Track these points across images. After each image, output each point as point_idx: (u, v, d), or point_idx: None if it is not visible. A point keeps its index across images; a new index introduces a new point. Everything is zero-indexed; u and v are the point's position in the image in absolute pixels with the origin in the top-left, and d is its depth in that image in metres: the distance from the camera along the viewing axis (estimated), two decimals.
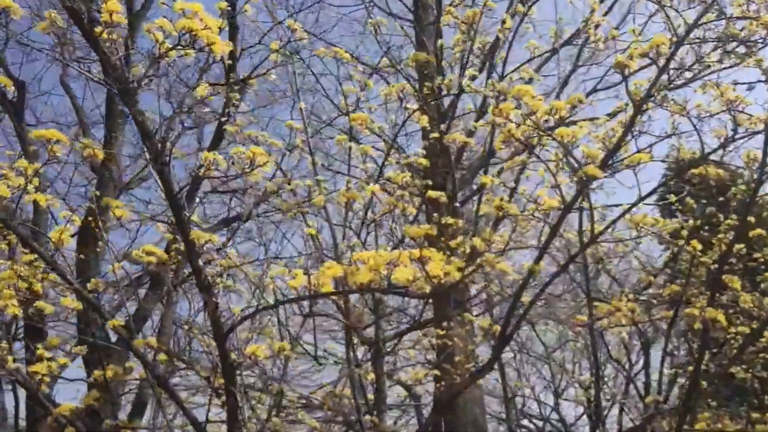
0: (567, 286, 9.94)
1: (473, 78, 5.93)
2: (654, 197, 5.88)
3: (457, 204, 6.76)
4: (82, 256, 6.06)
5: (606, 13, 8.93)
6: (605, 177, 4.10)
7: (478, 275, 6.61)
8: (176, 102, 3.38)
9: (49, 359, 3.42)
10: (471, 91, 5.40)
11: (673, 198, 4.62)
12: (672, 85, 4.18)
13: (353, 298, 5.39)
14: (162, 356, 3.47)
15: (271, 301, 3.22)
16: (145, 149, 2.58)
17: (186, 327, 5.61)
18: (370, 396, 5.02)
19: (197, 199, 10.04)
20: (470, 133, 8.11)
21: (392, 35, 10.68)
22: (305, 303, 4.29)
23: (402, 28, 10.04)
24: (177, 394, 3.43)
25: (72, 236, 7.10)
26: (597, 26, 5.09)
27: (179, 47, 2.31)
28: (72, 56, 8.38)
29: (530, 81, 7.31)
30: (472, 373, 4.68)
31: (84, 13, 2.27)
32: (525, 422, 14.48)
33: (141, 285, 7.93)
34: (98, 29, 2.27)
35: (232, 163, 2.69)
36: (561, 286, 10.72)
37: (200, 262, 2.90)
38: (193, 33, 2.25)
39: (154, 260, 3.06)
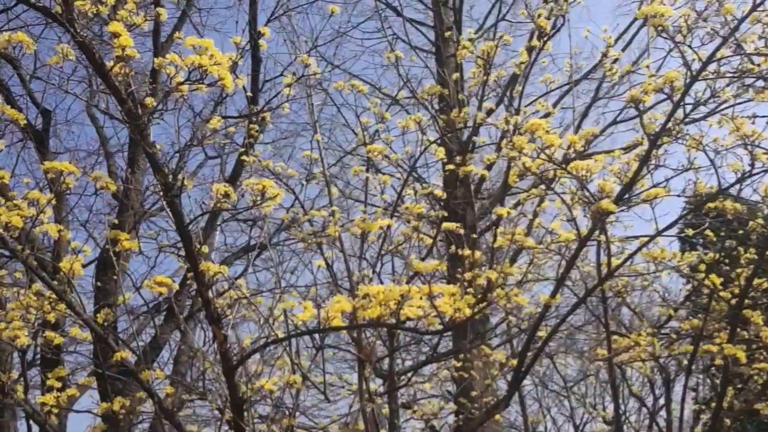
0: (588, 319, 9.81)
1: (490, 111, 5.95)
2: (674, 230, 5.82)
3: (474, 235, 6.74)
4: (99, 284, 6.11)
5: (624, 48, 8.97)
6: (621, 211, 4.05)
7: (497, 307, 6.56)
8: (192, 134, 3.42)
9: (59, 390, 3.42)
10: (485, 124, 5.40)
11: (689, 231, 4.56)
12: (688, 119, 4.16)
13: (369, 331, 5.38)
14: (169, 388, 3.46)
15: (281, 334, 3.21)
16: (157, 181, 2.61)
17: (199, 357, 5.60)
18: (384, 430, 4.96)
19: (218, 228, 10.14)
20: (489, 166, 8.12)
21: (413, 67, 10.82)
22: (317, 336, 4.28)
23: (423, 60, 10.17)
24: (183, 427, 3.41)
25: (85, 266, 7.17)
26: (615, 61, 5.08)
27: (189, 82, 2.34)
28: (98, 87, 8.57)
29: (548, 115, 7.32)
30: (489, 407, 4.60)
31: (95, 47, 2.32)
32: None
33: (158, 313, 7.97)
34: (109, 64, 2.31)
35: (242, 195, 2.71)
36: (582, 318, 10.58)
37: (210, 294, 2.90)
38: (204, 68, 2.28)
39: (164, 291, 3.06)
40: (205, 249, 2.91)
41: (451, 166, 5.21)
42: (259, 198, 2.68)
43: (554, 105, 9.45)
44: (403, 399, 8.05)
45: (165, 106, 2.41)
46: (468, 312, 2.62)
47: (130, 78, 2.36)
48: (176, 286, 3.37)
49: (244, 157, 5.25)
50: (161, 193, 2.73)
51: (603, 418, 11.28)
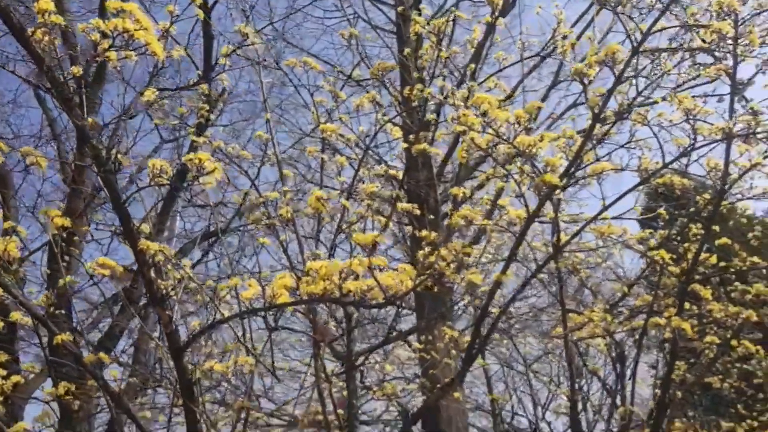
0: (552, 301, 9.95)
1: (445, 90, 5.94)
2: (633, 214, 5.92)
3: (432, 217, 6.76)
4: (49, 272, 5.98)
5: (586, 28, 9.00)
6: (569, 187, 4.10)
7: (454, 286, 6.60)
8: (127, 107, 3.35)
9: (4, 377, 3.35)
10: (440, 102, 5.39)
11: (638, 209, 4.63)
12: (639, 102, 4.22)
13: (325, 311, 5.36)
14: (114, 372, 3.42)
15: (228, 315, 3.18)
16: (89, 156, 2.55)
17: (153, 343, 5.55)
18: (341, 411, 4.96)
19: (177, 215, 10.01)
20: (451, 149, 8.12)
21: (374, 47, 10.75)
22: (270, 317, 4.25)
23: (383, 39, 10.11)
24: (133, 411, 3.36)
25: (32, 252, 7.01)
26: (565, 37, 5.11)
27: (116, 48, 2.28)
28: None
29: (509, 97, 7.34)
30: (443, 386, 4.63)
31: (14, 13, 2.23)
32: None
33: (116, 303, 7.85)
34: (32, 30, 2.24)
35: (178, 170, 2.67)
36: (546, 300, 10.71)
37: (152, 274, 2.86)
38: (129, 33, 2.22)
39: (107, 273, 3.01)
40: (146, 228, 2.86)
41: (405, 145, 5.20)
42: (198, 173, 2.64)
43: (515, 87, 9.50)
44: (367, 382, 8.09)
45: (89, 73, 2.34)
46: (410, 284, 2.62)
47: (53, 45, 2.28)
48: (120, 268, 3.30)
49: (194, 138, 5.17)
50: (95, 168, 2.66)
51: (565, 396, 11.47)
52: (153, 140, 9.75)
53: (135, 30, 2.20)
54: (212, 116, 5.65)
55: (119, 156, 2.56)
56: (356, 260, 2.54)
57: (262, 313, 3.54)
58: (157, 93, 3.05)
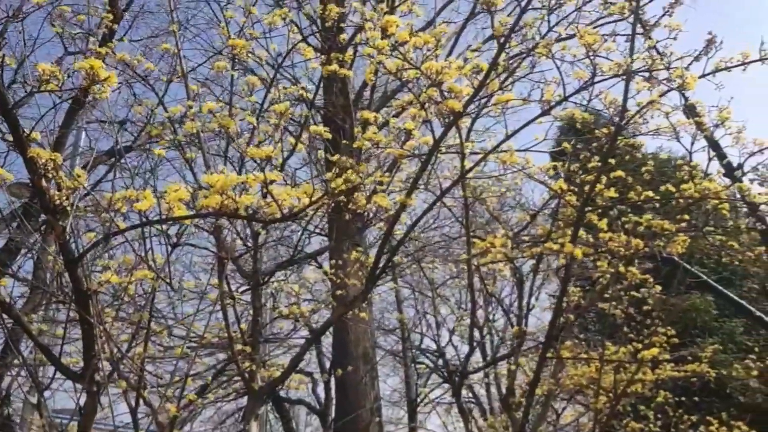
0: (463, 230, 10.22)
1: (362, 14, 5.85)
2: (544, 147, 6.11)
3: (346, 142, 6.77)
4: None
5: None
6: (477, 118, 4.19)
7: (374, 213, 6.71)
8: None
9: None
10: (349, 24, 5.32)
11: (537, 136, 4.80)
12: (544, 35, 4.30)
13: (232, 230, 5.36)
14: (3, 281, 3.34)
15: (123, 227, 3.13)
16: None
17: (51, 258, 5.42)
18: (244, 325, 5.05)
19: (83, 131, 9.59)
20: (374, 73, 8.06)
21: None
22: (172, 233, 4.22)
23: None
24: (24, 321, 3.32)
25: None
26: None
27: None
28: None
29: (425, 28, 7.26)
30: (346, 303, 4.78)
31: None
32: (422, 359, 15.05)
33: (14, 219, 7.55)
34: None
35: (68, 77, 2.56)
36: (459, 230, 11.01)
37: (43, 183, 2.78)
38: None
39: None
40: (37, 135, 2.75)
41: (315, 65, 5.13)
42: (89, 81, 2.54)
43: (434, 16, 9.45)
44: (278, 303, 8.20)
45: None
46: (306, 201, 2.67)
47: None
48: (10, 177, 3.18)
49: (97, 49, 4.93)
50: None
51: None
52: (57, 52, 9.19)
53: None
54: (119, 28, 5.39)
55: (5, 58, 2.43)
56: (251, 175, 2.56)
57: (162, 227, 3.52)
58: None
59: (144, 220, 2.95)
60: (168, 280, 3.40)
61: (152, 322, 4.03)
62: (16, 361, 7.04)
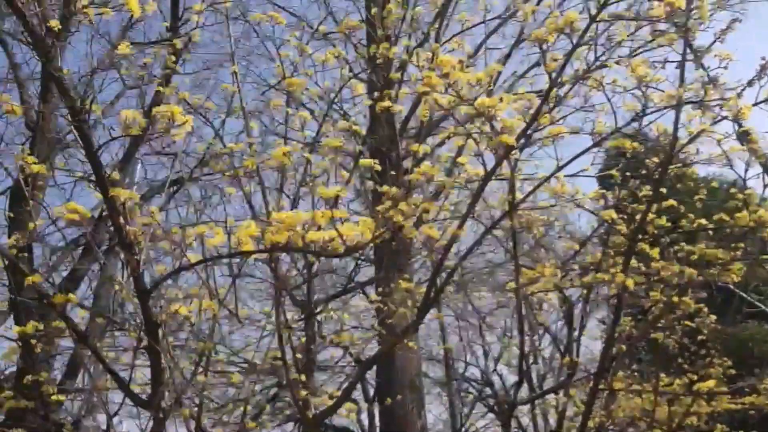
0: (509, 258, 10.20)
1: (410, 48, 6.02)
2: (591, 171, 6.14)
3: (393, 173, 6.90)
4: (11, 215, 5.98)
5: None
6: (525, 148, 4.27)
7: (421, 242, 6.80)
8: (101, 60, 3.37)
9: None
10: (406, 61, 5.48)
11: (588, 168, 4.83)
12: (596, 65, 4.36)
13: (288, 261, 5.51)
14: (82, 312, 3.53)
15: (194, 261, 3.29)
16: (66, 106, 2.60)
17: (116, 287, 5.64)
18: (300, 355, 5.16)
19: (138, 163, 9.95)
20: (415, 105, 8.21)
21: (343, 0, 10.65)
22: (234, 265, 4.38)
23: None
24: (99, 351, 3.49)
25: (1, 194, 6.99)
26: (526, 1, 5.22)
27: (94, 5, 2.34)
28: (4, 10, 8.13)
29: (471, 56, 7.41)
30: (397, 333, 4.85)
31: None
32: (465, 386, 14.92)
33: (76, 247, 7.87)
34: None
35: (152, 124, 2.74)
36: (503, 256, 10.98)
37: (121, 220, 2.95)
38: None
39: (76, 217, 3.08)
40: (117, 175, 2.94)
41: (369, 102, 5.30)
42: (168, 125, 2.72)
43: (478, 46, 9.58)
44: (326, 331, 8.31)
45: (70, 28, 2.41)
46: (369, 236, 2.78)
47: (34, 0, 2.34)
48: (88, 214, 3.38)
49: (161, 88, 5.18)
50: (69, 119, 2.73)
51: (516, 347, 11.89)
52: (115, 86, 9.61)
53: None
54: (177, 67, 5.65)
55: (93, 107, 2.63)
56: (319, 212, 2.68)
57: (226, 260, 3.67)
58: (130, 47, 3.08)
59: (213, 254, 3.10)
60: (235, 311, 3.55)
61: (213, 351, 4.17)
62: (77, 386, 7.30)
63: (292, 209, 4.96)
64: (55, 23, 2.52)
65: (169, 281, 3.59)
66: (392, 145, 8.58)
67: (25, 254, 3.96)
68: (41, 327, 3.41)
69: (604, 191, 6.39)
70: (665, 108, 4.13)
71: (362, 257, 6.41)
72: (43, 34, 2.41)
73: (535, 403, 11.61)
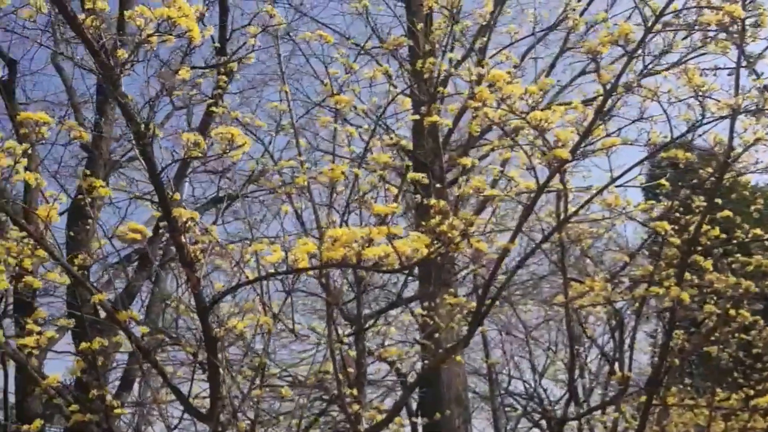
0: (553, 269, 10.10)
1: (455, 62, 6.05)
2: (638, 182, 6.05)
3: (439, 186, 6.91)
4: (71, 233, 6.18)
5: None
6: (577, 160, 4.23)
7: (461, 255, 6.79)
8: (161, 84, 3.49)
9: (38, 333, 3.55)
10: (452, 75, 5.51)
11: (640, 179, 4.76)
12: (645, 73, 4.32)
13: (337, 276, 5.55)
14: (144, 329, 3.62)
15: (252, 277, 3.36)
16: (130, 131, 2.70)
17: (173, 304, 5.77)
18: (351, 368, 5.19)
19: (187, 179, 10.16)
20: (458, 118, 8.23)
21: (383, 16, 10.77)
22: (288, 280, 4.44)
23: (392, 9, 10.14)
24: (161, 365, 3.58)
25: (61, 214, 7.24)
26: (574, 10, 5.20)
27: (158, 33, 2.42)
28: (62, 37, 8.44)
29: (516, 67, 7.40)
30: (447, 348, 4.84)
31: (68, 2, 2.39)
32: (510, 401, 14.75)
33: (130, 263, 8.07)
34: (81, 17, 2.38)
35: (211, 145, 2.82)
36: (547, 268, 10.87)
37: (183, 239, 3.03)
38: (172, 20, 2.37)
39: (138, 237, 3.18)
40: (177, 196, 3.02)
41: (415, 117, 5.33)
42: (227, 147, 2.79)
43: (523, 56, 9.54)
44: (370, 345, 8.33)
45: (136, 57, 2.50)
46: (425, 252, 2.79)
47: (101, 30, 2.43)
48: (149, 233, 3.48)
49: (212, 108, 5.30)
50: (134, 142, 2.82)
51: (562, 361, 11.76)
52: (165, 108, 9.87)
53: (178, 17, 2.36)
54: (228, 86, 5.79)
55: (155, 129, 2.72)
56: (376, 229, 2.71)
57: (281, 277, 3.73)
58: (190, 71, 3.18)
59: (269, 270, 3.15)
60: (291, 327, 3.60)
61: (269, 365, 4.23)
62: (129, 400, 7.47)
63: (341, 225, 5.01)
64: (121, 53, 2.61)
65: (228, 297, 3.67)
66: (436, 158, 8.59)
67: (86, 272, 4.08)
68: (106, 343, 3.51)
69: (653, 202, 6.30)
70: (721, 118, 4.06)
71: (412, 272, 6.42)
72: (111, 65, 2.50)
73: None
